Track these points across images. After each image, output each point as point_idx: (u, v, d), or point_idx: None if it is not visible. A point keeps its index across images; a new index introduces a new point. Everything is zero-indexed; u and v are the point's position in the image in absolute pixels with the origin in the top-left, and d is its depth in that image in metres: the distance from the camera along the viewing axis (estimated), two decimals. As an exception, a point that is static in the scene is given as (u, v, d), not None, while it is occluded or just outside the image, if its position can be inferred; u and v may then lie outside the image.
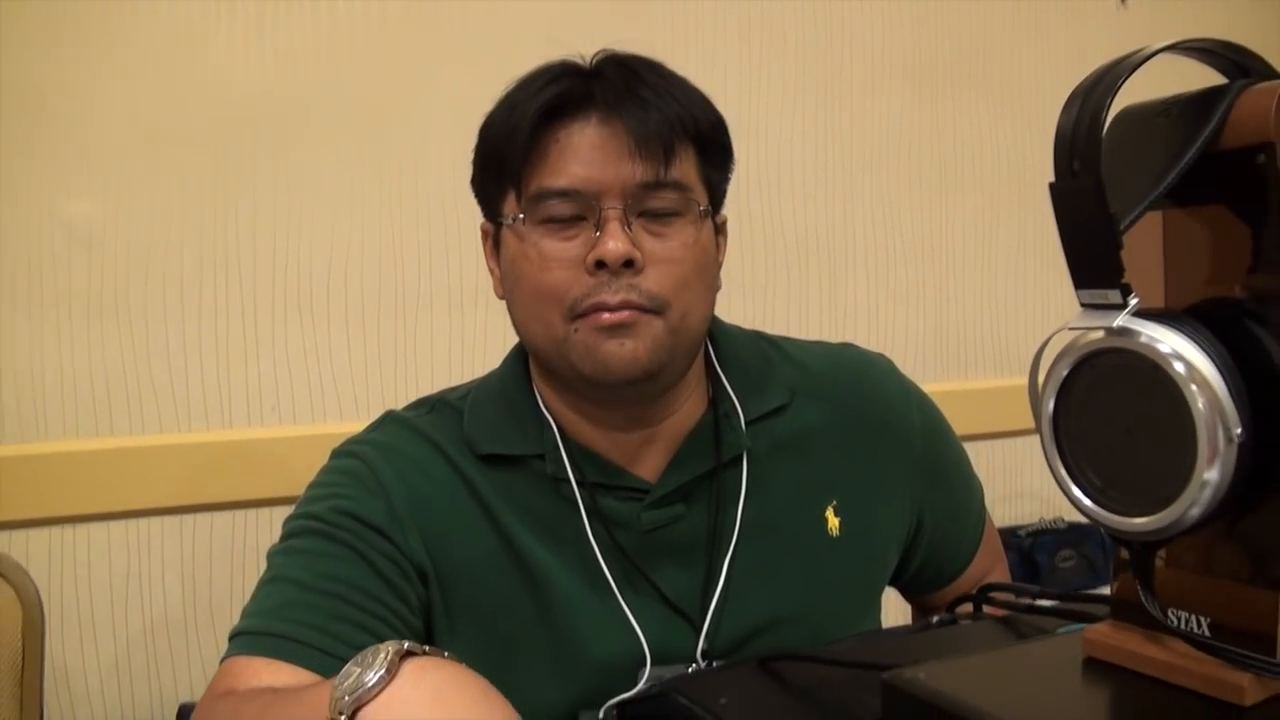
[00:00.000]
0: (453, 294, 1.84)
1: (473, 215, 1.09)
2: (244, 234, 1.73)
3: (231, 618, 0.99)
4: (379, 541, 0.99)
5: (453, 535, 1.02)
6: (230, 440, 1.72)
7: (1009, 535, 2.27)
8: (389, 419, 1.10)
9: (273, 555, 1.02)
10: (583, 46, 1.06)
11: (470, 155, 1.07)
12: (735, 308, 1.96)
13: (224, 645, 0.98)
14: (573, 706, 0.99)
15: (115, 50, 1.64)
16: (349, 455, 1.06)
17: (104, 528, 1.67)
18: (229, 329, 1.73)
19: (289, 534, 1.02)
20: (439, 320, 1.84)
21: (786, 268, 2.14)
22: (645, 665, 1.00)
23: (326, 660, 0.90)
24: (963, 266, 2.33)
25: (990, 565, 1.23)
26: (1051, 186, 0.56)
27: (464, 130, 1.07)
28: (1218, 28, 2.42)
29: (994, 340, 2.35)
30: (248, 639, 0.94)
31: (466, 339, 1.85)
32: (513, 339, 1.12)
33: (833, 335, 1.26)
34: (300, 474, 1.11)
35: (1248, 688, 0.55)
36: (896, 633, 0.95)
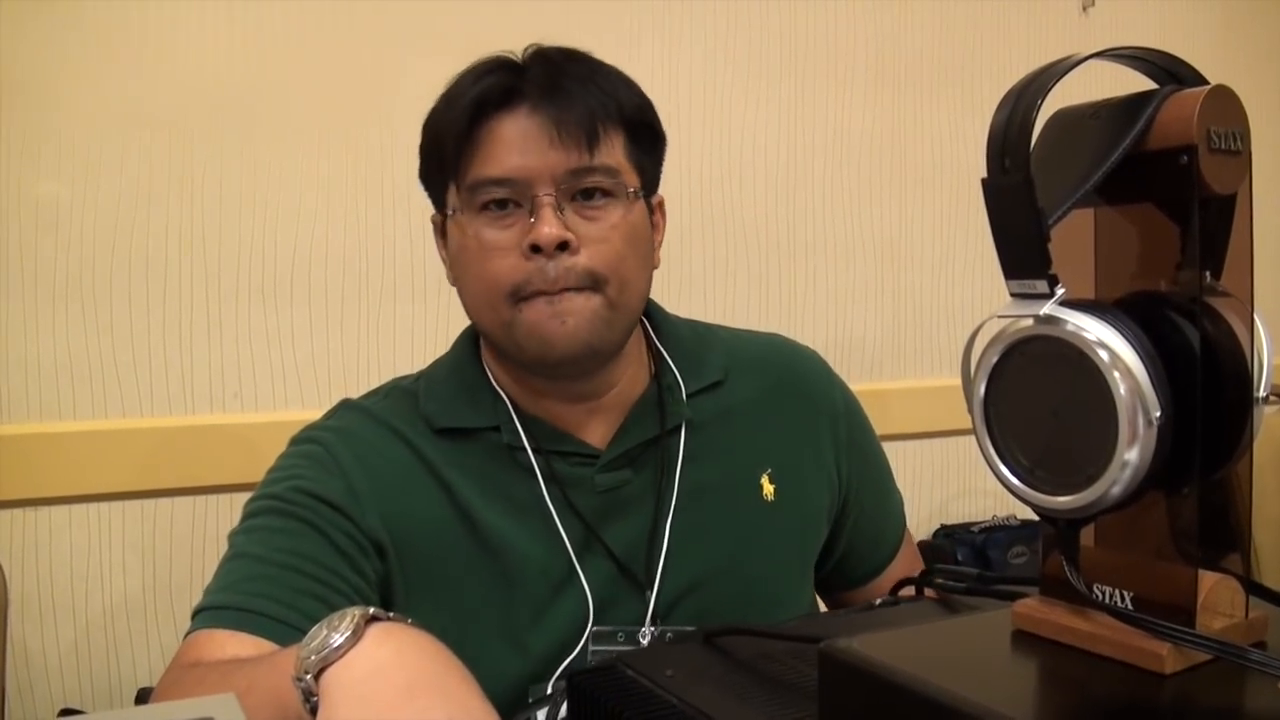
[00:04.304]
0: (415, 281, 1.85)
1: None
2: (209, 218, 1.73)
3: (191, 603, 1.00)
4: (336, 518, 1.02)
5: (411, 511, 1.05)
6: (191, 425, 1.73)
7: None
8: (344, 407, 1.14)
9: (234, 535, 1.04)
10: (545, 39, 1.09)
11: None
12: (695, 300, 1.99)
13: (184, 631, 0.99)
14: (525, 677, 1.03)
15: (83, 32, 1.64)
16: (307, 441, 1.09)
17: (65, 511, 1.67)
18: (192, 314, 1.73)
19: (249, 514, 1.05)
20: (401, 307, 1.85)
21: (747, 262, 2.15)
22: (588, 623, 1.05)
23: (287, 631, 0.92)
24: (921, 265, 2.36)
25: (909, 570, 1.26)
26: (983, 182, 0.58)
27: (430, 120, 1.09)
28: (1176, 34, 2.46)
29: (950, 339, 2.37)
30: (211, 613, 0.96)
31: (429, 326, 1.86)
32: (471, 325, 1.15)
33: (792, 330, 1.31)
34: (261, 460, 1.13)
35: (1168, 657, 0.56)
36: (839, 614, 0.98)
